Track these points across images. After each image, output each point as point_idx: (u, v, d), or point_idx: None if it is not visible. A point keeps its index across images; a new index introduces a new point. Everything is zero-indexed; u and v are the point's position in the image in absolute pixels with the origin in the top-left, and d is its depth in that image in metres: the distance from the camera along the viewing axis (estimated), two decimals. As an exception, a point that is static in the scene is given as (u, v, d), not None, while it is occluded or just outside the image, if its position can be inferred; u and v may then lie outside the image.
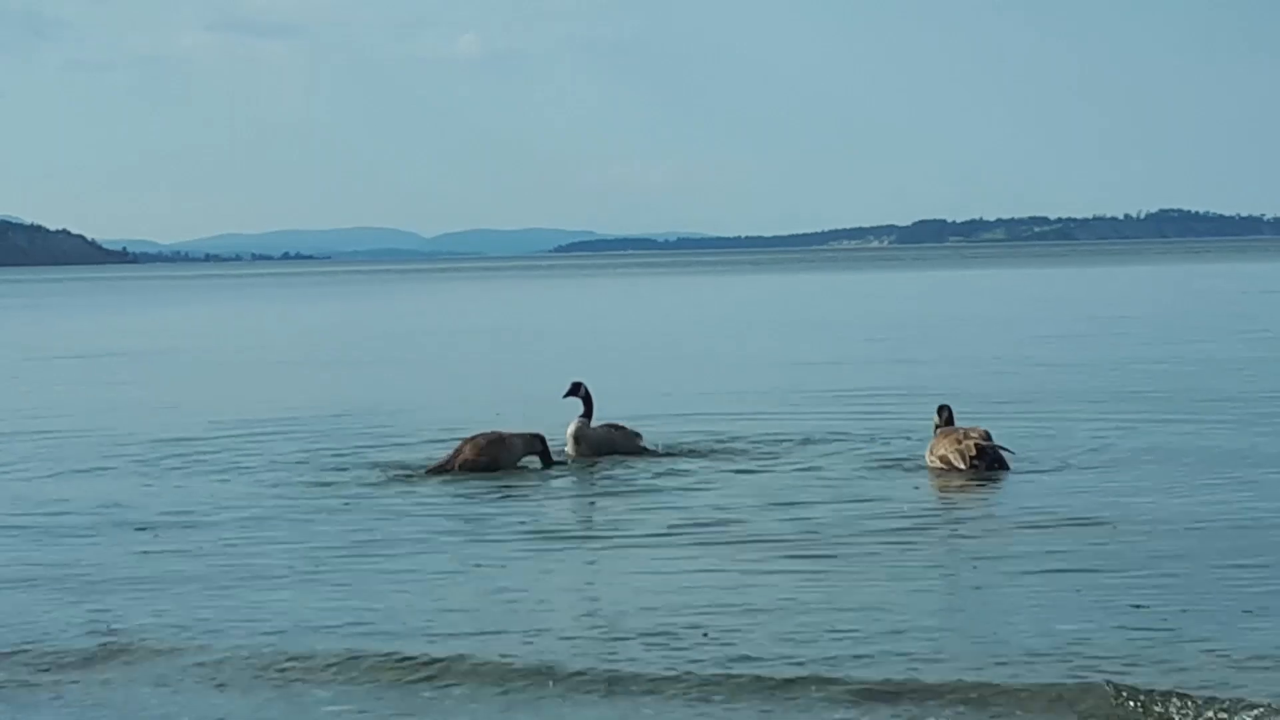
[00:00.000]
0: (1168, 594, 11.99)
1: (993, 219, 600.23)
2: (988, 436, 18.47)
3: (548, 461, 19.66)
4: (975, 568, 13.21)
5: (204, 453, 21.36)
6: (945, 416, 19.01)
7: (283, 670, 10.64)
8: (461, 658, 10.67)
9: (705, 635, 11.15)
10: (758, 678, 10.07)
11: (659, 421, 22.90)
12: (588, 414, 20.30)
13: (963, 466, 18.02)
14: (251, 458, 20.76)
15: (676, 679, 10.13)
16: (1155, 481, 17.13)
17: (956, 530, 14.94)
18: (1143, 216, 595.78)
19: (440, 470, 19.13)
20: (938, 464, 18.34)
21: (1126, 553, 13.46)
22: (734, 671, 10.23)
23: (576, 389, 20.38)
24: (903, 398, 26.44)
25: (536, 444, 19.78)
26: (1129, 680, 9.66)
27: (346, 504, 17.08)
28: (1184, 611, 11.43)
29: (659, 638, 11.08)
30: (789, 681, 9.98)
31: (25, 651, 11.26)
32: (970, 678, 9.92)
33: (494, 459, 19.23)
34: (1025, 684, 9.75)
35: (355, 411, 26.61)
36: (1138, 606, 11.56)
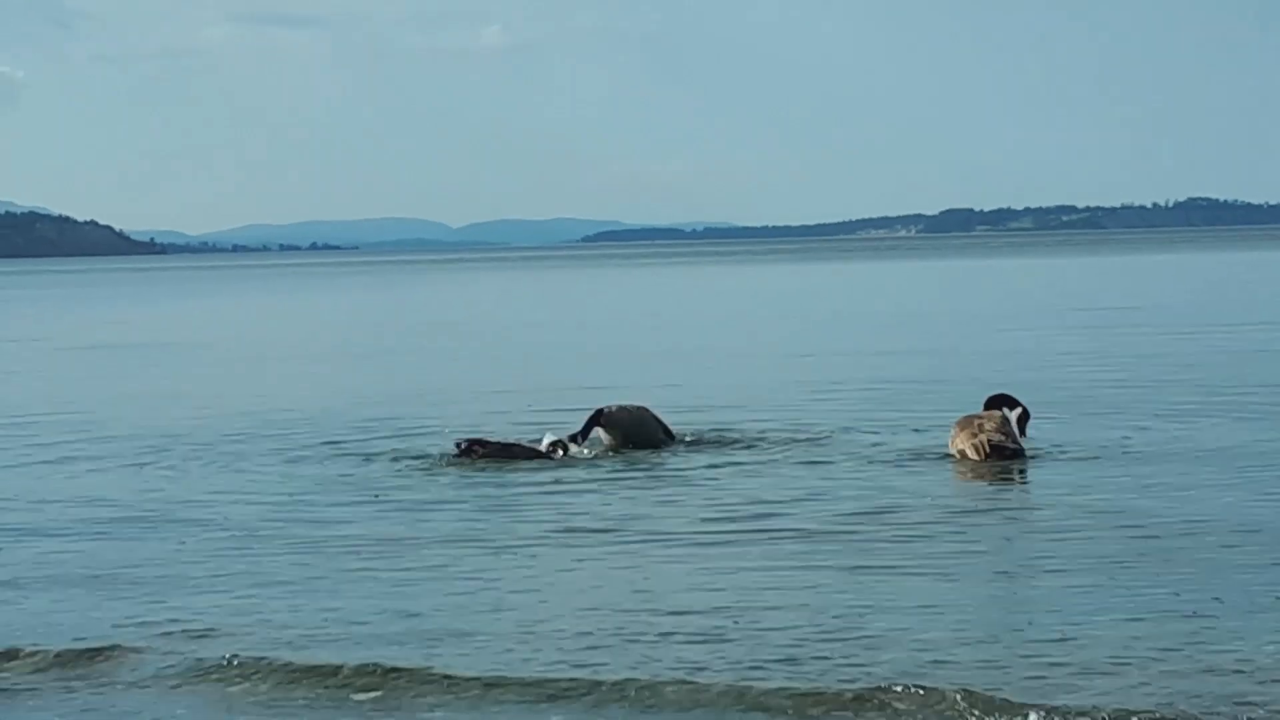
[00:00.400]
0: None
1: (1020, 208, 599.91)
2: (1005, 422, 18.51)
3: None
4: (1003, 568, 13.11)
5: (252, 444, 21.39)
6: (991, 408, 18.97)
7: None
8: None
9: (735, 622, 11.17)
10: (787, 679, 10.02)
11: (691, 412, 22.85)
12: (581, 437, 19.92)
13: (977, 459, 18.04)
14: (308, 448, 20.83)
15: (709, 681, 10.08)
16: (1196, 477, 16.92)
17: (979, 525, 14.80)
18: (1171, 205, 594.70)
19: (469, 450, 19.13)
20: (959, 454, 18.33)
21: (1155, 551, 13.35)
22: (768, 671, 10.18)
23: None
24: (933, 386, 26.42)
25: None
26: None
27: (376, 496, 17.11)
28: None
29: (692, 635, 11.03)
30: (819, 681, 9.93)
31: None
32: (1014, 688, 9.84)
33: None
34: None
35: (411, 400, 26.84)
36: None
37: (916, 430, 20.72)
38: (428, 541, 14.51)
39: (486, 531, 14.95)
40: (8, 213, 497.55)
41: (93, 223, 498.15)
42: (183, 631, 11.48)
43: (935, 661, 10.21)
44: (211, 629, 11.53)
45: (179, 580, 13.18)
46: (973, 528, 14.61)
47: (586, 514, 15.79)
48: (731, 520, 15.16)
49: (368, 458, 19.78)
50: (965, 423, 18.68)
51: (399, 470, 18.87)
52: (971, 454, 18.18)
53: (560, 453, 19.42)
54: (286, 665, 10.57)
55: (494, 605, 12.08)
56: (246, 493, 17.51)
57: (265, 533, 15.12)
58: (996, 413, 18.83)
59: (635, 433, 20.16)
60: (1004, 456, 18.12)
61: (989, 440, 18.19)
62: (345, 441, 21.24)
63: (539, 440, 19.72)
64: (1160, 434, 20.14)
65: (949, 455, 18.51)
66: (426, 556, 13.86)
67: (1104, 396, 24.68)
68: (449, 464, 19.03)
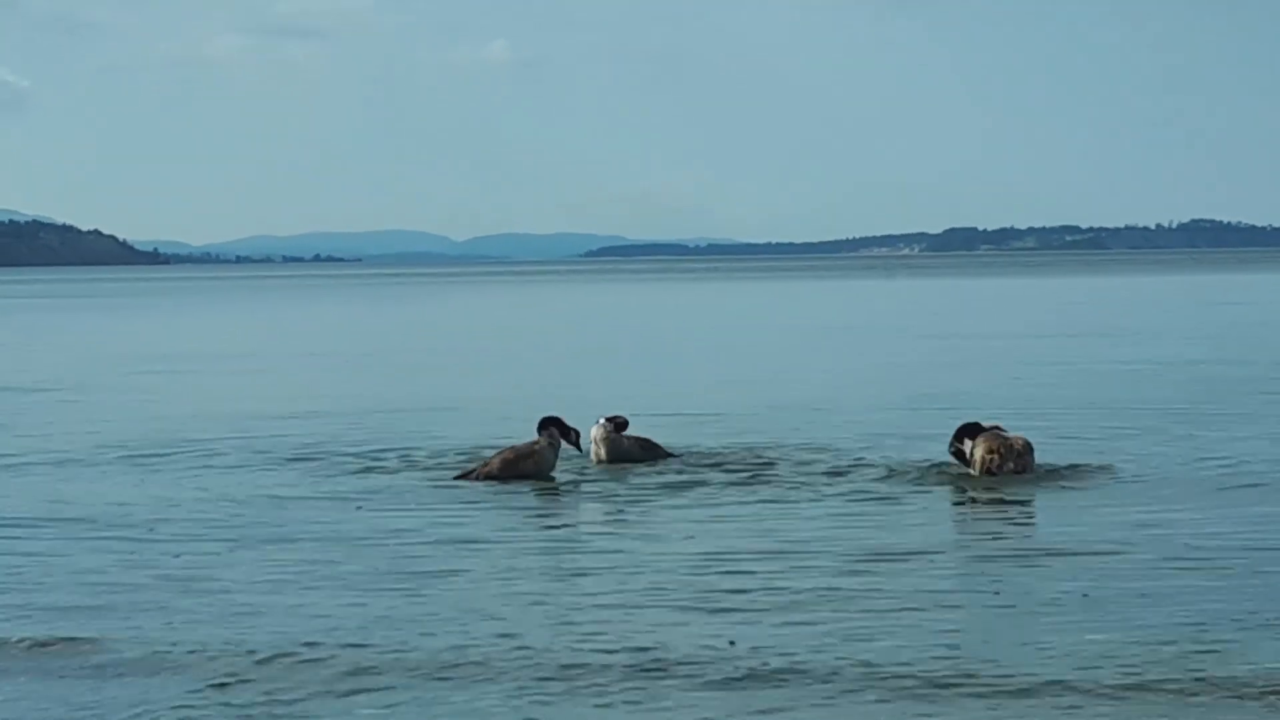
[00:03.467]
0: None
1: (1024, 228, 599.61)
2: (1028, 447, 18.26)
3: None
4: (998, 592, 13.04)
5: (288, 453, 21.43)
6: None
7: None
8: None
9: (732, 643, 11.06)
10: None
11: (691, 424, 22.80)
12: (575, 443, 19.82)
13: (976, 474, 17.92)
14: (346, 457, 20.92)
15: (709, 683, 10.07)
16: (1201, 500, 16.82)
17: (980, 552, 14.75)
18: (1174, 226, 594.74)
19: (465, 477, 19.09)
20: (971, 458, 18.15)
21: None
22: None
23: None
24: (938, 405, 26.40)
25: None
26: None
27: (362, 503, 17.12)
28: None
29: (690, 649, 10.99)
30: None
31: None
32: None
33: (521, 474, 18.98)
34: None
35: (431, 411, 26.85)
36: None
37: (917, 444, 20.63)
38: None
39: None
40: (11, 221, 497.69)
41: (96, 232, 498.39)
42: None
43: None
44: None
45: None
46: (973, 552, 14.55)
47: (591, 523, 15.77)
48: (726, 536, 15.12)
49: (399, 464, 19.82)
50: (990, 435, 18.30)
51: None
52: (977, 470, 18.00)
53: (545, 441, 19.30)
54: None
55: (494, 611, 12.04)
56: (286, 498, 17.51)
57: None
58: (1023, 436, 18.52)
59: (620, 457, 20.03)
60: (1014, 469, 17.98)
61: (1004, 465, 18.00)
62: (374, 448, 21.26)
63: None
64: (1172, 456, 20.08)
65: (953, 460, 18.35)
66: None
67: (1116, 415, 24.65)
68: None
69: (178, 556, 14.52)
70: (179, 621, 11.99)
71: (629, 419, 20.35)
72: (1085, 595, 12.34)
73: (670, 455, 20.35)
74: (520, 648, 11.05)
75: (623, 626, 11.63)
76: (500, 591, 12.93)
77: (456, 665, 10.68)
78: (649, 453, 20.23)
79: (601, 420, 20.16)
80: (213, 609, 12.40)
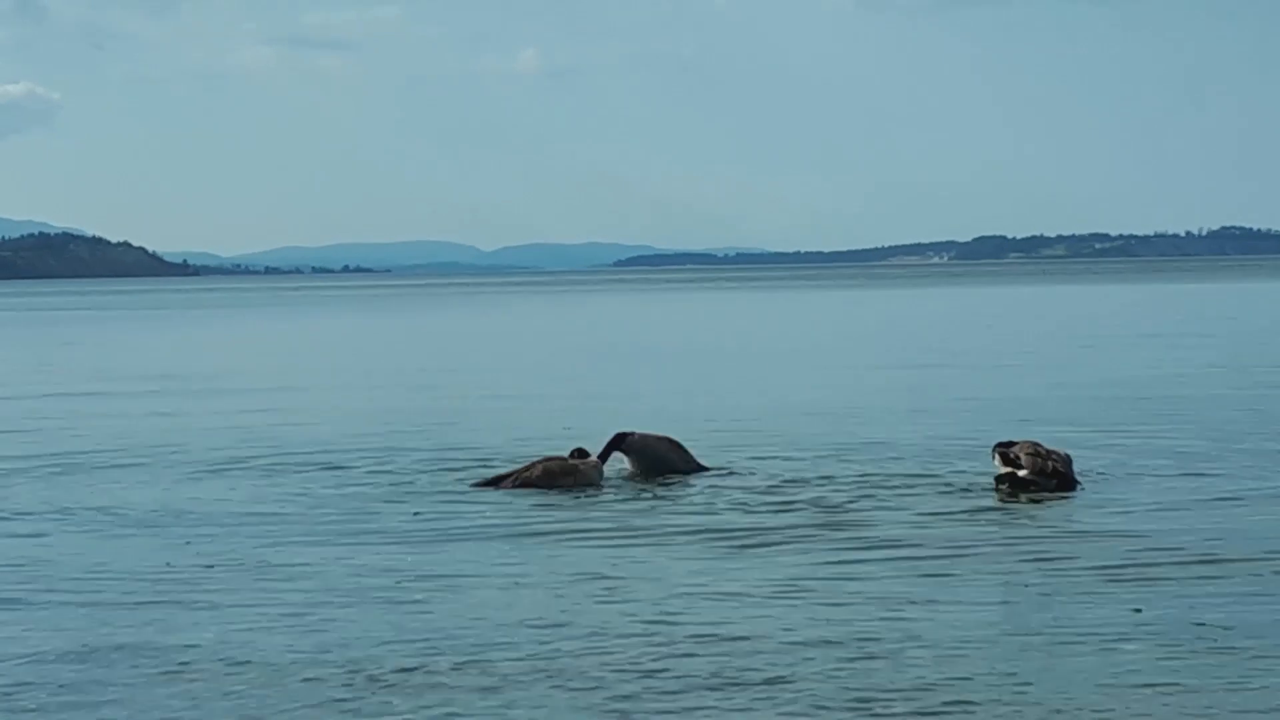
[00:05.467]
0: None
1: (1053, 235, 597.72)
2: (1068, 462, 18.19)
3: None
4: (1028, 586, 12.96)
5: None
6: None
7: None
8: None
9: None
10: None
11: (725, 435, 22.73)
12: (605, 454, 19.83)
13: (1029, 474, 17.77)
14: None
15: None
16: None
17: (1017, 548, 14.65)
18: (1204, 234, 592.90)
19: (495, 483, 19.02)
20: (1006, 466, 18.06)
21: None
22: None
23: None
24: (962, 415, 26.34)
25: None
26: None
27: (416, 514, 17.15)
28: None
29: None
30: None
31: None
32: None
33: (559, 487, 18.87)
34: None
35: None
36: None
37: (946, 459, 20.69)
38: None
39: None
40: (42, 233, 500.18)
41: (126, 244, 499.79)
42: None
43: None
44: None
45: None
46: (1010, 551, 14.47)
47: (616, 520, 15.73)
48: (758, 544, 15.10)
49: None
50: (1028, 444, 18.27)
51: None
52: (1028, 468, 17.86)
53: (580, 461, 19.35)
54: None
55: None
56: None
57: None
58: (1063, 451, 18.44)
59: (654, 464, 19.91)
60: (1063, 485, 17.88)
61: (1053, 467, 17.91)
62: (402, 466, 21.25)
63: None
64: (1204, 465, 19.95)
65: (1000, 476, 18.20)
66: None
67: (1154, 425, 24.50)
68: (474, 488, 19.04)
69: (210, 567, 14.58)
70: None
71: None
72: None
73: (694, 461, 20.13)
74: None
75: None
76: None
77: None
78: (675, 462, 19.98)
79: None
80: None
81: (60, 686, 10.67)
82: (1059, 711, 9.69)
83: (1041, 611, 12.23)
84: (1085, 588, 12.95)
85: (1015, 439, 18.66)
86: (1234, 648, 10.99)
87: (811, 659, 10.85)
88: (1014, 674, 10.45)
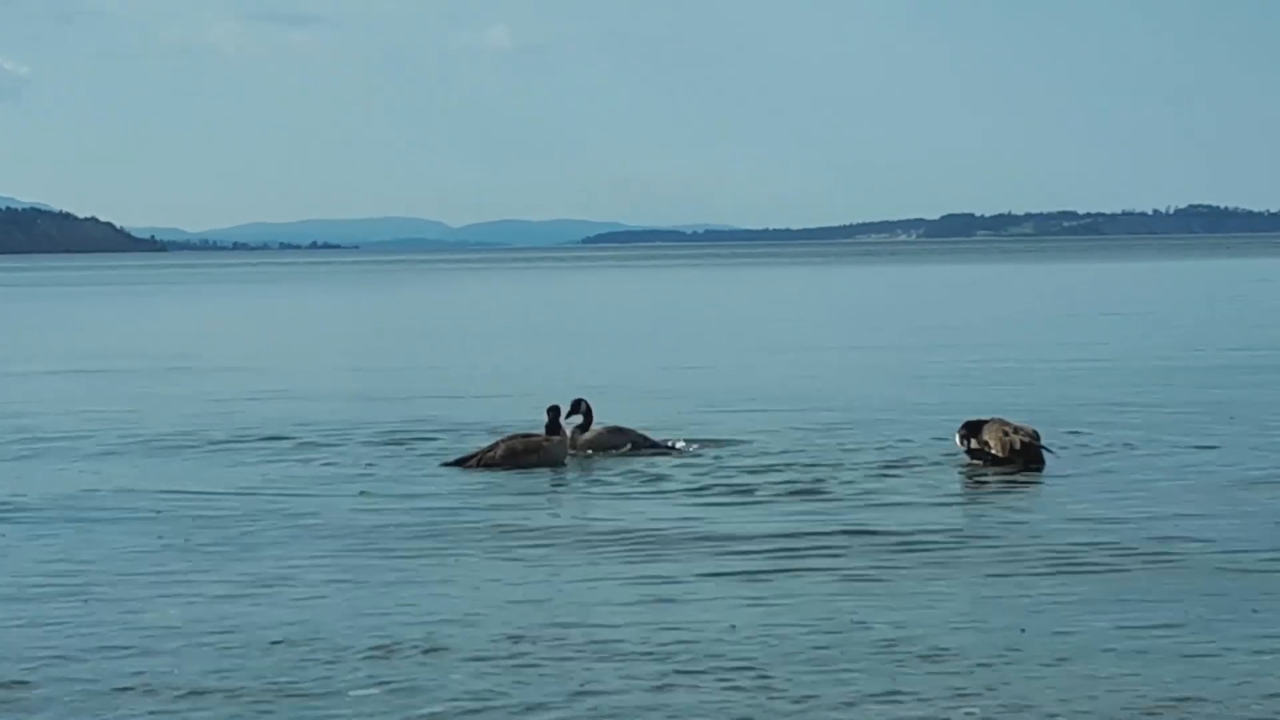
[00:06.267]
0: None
1: (1021, 213, 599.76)
2: (1036, 436, 18.17)
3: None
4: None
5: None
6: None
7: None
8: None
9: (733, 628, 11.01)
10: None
11: (695, 413, 22.62)
12: (586, 426, 19.98)
13: (1001, 455, 17.83)
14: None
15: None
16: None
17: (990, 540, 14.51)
18: (1171, 212, 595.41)
19: (462, 463, 18.89)
20: (975, 448, 18.16)
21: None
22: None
23: (577, 406, 20.00)
24: (943, 390, 26.30)
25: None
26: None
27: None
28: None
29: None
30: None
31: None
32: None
33: (523, 466, 18.79)
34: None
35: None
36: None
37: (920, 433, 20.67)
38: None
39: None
40: (9, 209, 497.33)
41: (93, 219, 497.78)
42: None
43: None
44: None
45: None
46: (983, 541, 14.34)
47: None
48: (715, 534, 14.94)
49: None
50: (994, 423, 18.35)
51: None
52: (996, 448, 17.94)
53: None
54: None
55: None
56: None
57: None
58: (1030, 426, 18.43)
59: (604, 446, 19.91)
60: (1030, 461, 17.88)
61: (1021, 441, 17.95)
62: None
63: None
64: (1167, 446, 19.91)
65: (958, 451, 18.31)
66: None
67: (1114, 405, 24.43)
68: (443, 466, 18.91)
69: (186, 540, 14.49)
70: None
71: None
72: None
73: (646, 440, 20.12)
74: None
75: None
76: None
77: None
78: (625, 440, 20.00)
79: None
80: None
81: None
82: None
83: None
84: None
85: (982, 417, 18.66)
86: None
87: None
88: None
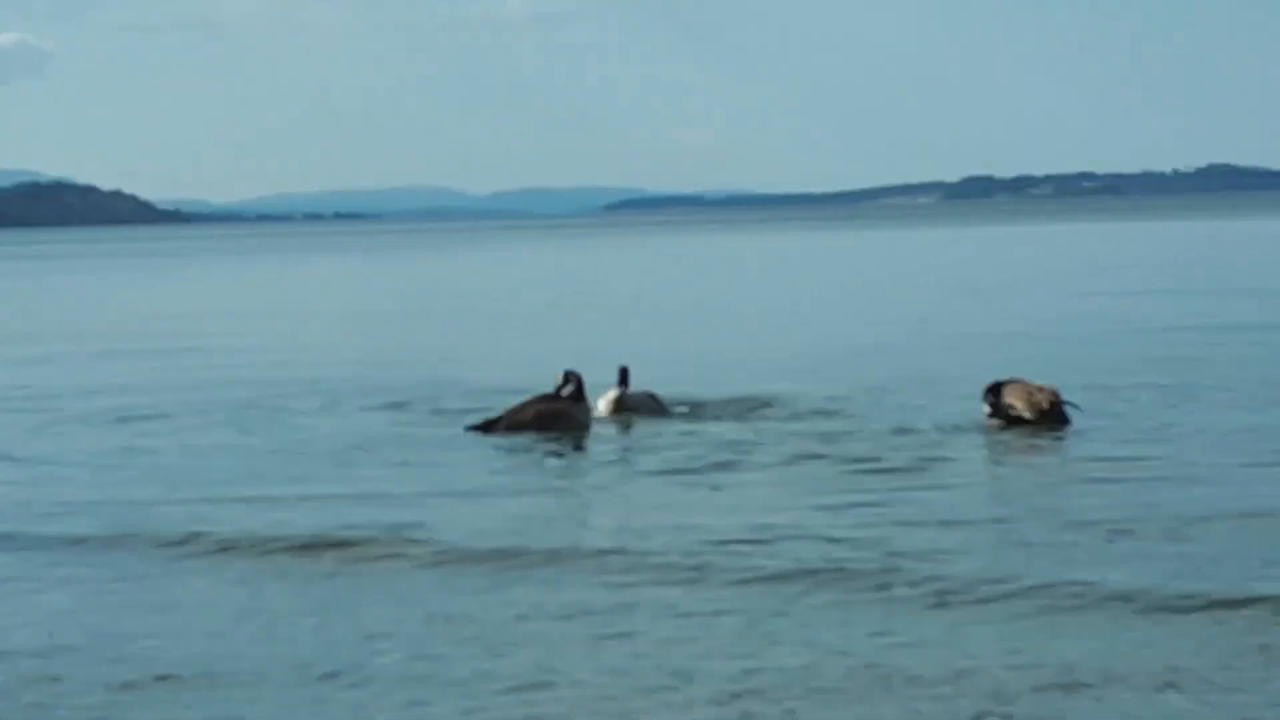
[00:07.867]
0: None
1: (1041, 175, 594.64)
2: (1057, 394, 18.63)
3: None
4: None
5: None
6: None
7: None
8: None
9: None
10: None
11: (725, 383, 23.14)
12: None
13: (1029, 417, 18.27)
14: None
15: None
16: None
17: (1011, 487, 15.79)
18: (1191, 171, 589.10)
19: (488, 427, 18.91)
20: (1002, 413, 18.53)
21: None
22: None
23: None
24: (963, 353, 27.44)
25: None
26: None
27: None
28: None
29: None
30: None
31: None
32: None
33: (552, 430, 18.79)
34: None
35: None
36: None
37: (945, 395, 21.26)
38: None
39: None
40: (34, 183, 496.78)
41: (118, 192, 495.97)
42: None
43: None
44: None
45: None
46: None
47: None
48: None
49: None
50: (1015, 384, 18.73)
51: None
52: (1023, 410, 18.35)
53: (571, 386, 19.17)
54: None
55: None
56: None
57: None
58: (1051, 385, 18.81)
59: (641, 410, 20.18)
60: (1057, 420, 18.32)
61: (1049, 400, 18.39)
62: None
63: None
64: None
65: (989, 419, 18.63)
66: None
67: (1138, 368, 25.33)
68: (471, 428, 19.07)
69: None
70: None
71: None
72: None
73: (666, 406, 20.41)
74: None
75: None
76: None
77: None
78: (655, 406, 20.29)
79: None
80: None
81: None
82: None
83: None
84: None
85: (1001, 378, 19.03)
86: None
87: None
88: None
